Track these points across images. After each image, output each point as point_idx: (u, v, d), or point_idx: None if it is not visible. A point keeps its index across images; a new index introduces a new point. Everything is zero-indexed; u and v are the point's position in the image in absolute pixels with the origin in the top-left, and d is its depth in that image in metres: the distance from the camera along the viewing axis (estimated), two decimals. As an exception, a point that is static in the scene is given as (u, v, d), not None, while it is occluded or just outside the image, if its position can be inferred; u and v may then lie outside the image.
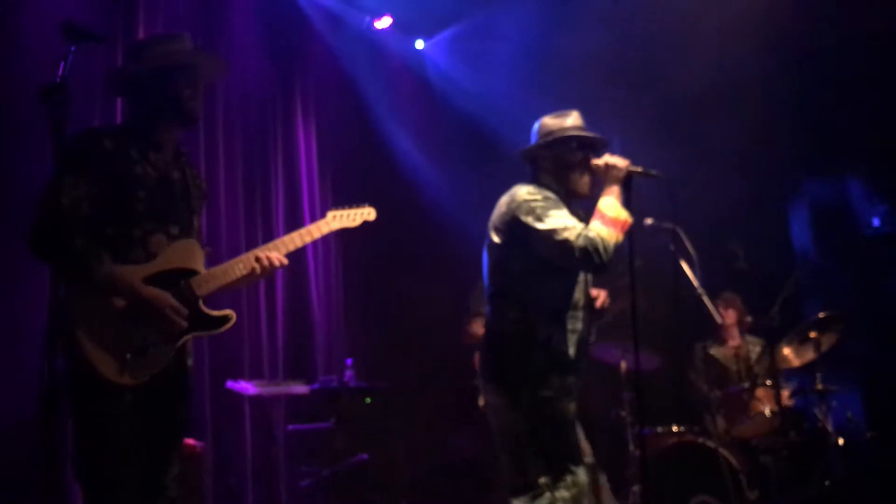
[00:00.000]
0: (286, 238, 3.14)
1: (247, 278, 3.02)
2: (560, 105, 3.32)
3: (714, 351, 5.39)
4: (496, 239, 3.19)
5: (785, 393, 4.89)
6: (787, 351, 4.90)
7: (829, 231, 6.15)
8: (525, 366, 3.08)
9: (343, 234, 6.52)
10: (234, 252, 5.60)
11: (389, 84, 6.94)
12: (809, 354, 4.89)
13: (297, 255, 6.15)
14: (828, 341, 4.86)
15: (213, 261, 5.39)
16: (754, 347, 5.35)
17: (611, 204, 3.12)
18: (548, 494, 3.02)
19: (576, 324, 3.15)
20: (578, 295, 3.19)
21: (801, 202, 6.31)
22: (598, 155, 3.22)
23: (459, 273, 5.71)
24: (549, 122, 3.28)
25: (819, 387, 4.80)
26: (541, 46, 6.27)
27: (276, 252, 3.01)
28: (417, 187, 6.89)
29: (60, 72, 2.24)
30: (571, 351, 3.13)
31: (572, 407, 3.15)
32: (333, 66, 6.63)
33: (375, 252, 6.67)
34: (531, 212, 3.08)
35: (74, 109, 2.50)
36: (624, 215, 3.12)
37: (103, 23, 5.09)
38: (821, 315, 4.81)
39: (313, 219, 6.31)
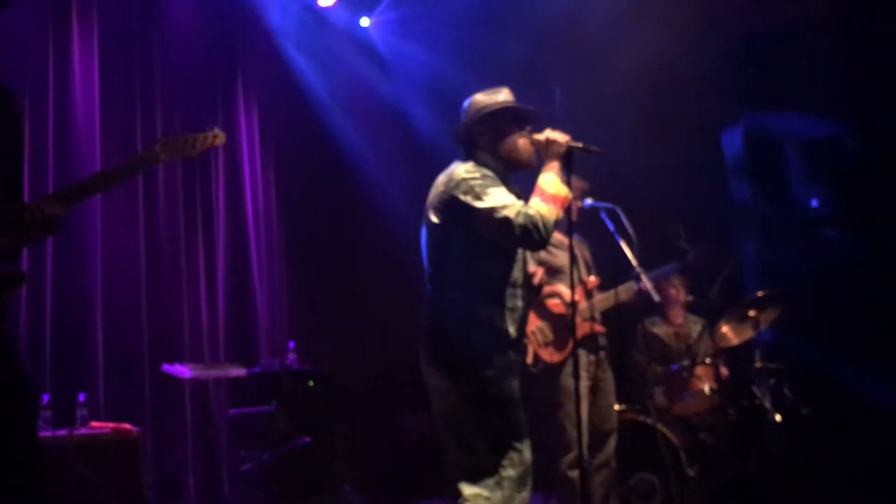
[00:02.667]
0: (90, 178, 2.73)
1: (19, 233, 2.49)
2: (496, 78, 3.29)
3: (656, 329, 5.44)
4: (434, 219, 3.14)
5: (725, 371, 4.96)
6: (725, 329, 4.95)
7: (769, 210, 6.23)
8: (466, 346, 3.05)
9: (286, 213, 6.54)
10: (174, 241, 5.59)
11: (335, 64, 6.85)
12: (748, 333, 4.95)
13: (238, 237, 6.11)
14: (766, 319, 4.92)
15: (152, 247, 5.35)
16: (695, 326, 5.41)
17: (551, 180, 3.10)
18: (495, 474, 3.00)
19: (515, 302, 3.14)
20: (517, 273, 3.17)
21: (742, 179, 6.37)
22: (533, 126, 3.19)
23: (403, 254, 5.68)
24: (481, 98, 3.25)
25: (757, 364, 4.87)
26: (477, 20, 6.25)
27: (53, 204, 2.50)
28: (363, 169, 6.82)
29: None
30: (512, 329, 3.11)
31: (515, 385, 3.14)
32: (276, 46, 6.52)
33: (319, 233, 6.61)
34: (470, 190, 3.04)
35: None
36: (564, 192, 3.10)
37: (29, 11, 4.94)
38: (759, 294, 4.87)
39: (255, 203, 6.26)
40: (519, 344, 3.19)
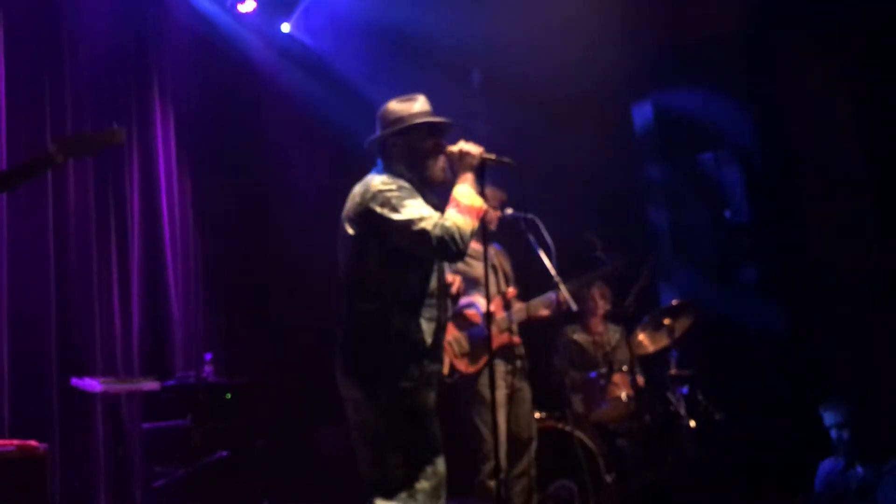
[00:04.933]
0: None
1: None
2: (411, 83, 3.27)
3: (577, 336, 5.51)
4: (350, 231, 3.11)
5: (640, 378, 5.05)
6: (642, 337, 5.05)
7: (684, 219, 6.37)
8: (382, 358, 3.03)
9: (203, 223, 6.40)
10: (86, 248, 5.41)
11: (255, 69, 6.77)
12: (664, 340, 5.06)
13: (153, 245, 5.95)
14: (681, 327, 5.03)
15: (62, 255, 5.17)
16: (614, 335, 5.50)
17: (465, 192, 3.09)
18: (407, 487, 2.98)
19: (432, 312, 3.13)
20: (434, 283, 3.16)
21: (657, 184, 6.51)
22: (448, 138, 3.19)
23: (322, 265, 5.62)
24: (396, 107, 3.21)
25: (672, 371, 4.98)
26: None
27: None
28: (282, 179, 6.74)
29: None
30: (429, 340, 3.10)
31: (432, 397, 3.13)
32: (194, 48, 6.41)
33: (236, 243, 6.50)
34: (386, 202, 3.02)
35: None
36: (479, 202, 3.11)
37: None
38: (674, 302, 4.98)
39: (171, 212, 6.11)
40: (437, 354, 3.18)
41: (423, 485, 3.00)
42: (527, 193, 3.38)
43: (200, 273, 6.31)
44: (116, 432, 5.29)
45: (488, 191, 3.27)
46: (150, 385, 4.91)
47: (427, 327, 3.10)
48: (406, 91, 3.27)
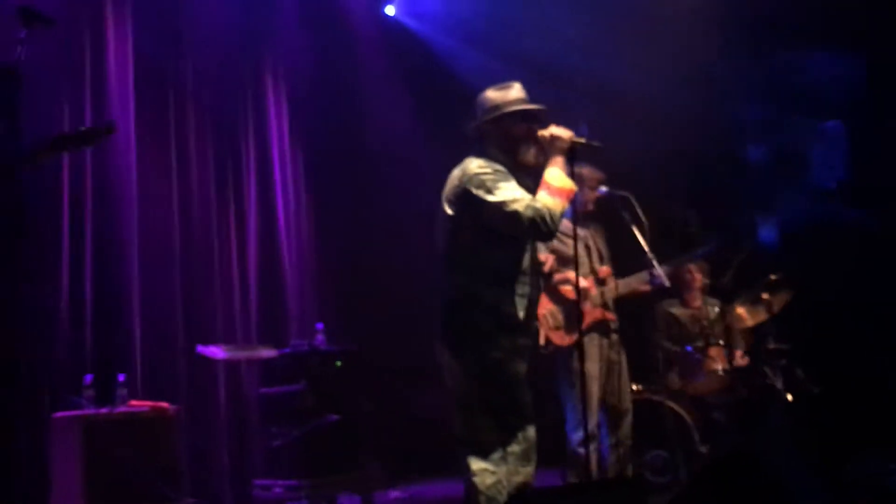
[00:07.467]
0: None
1: None
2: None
3: (675, 310, 5.56)
4: (448, 210, 3.31)
5: (738, 352, 5.08)
6: (740, 311, 5.07)
7: (787, 189, 6.28)
8: (472, 329, 3.23)
9: (315, 198, 6.69)
10: (207, 228, 5.79)
11: (363, 53, 7.00)
12: (762, 315, 5.06)
13: (268, 220, 6.31)
14: (779, 302, 5.02)
15: (186, 234, 5.57)
16: (712, 309, 5.52)
17: (556, 175, 3.25)
18: (500, 449, 3.20)
19: (524, 288, 3.30)
20: (527, 261, 3.33)
21: (761, 155, 6.41)
22: (542, 125, 3.33)
23: (429, 238, 5.82)
24: (493, 95, 3.37)
25: (770, 346, 4.98)
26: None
27: None
28: (391, 153, 6.96)
29: (14, 56, 2.30)
30: (521, 314, 3.28)
31: (522, 367, 3.31)
32: (305, 36, 6.68)
33: (347, 218, 6.78)
34: (482, 185, 3.20)
35: (36, 95, 2.52)
36: (569, 185, 3.26)
37: (65, 8, 5.09)
38: (772, 277, 4.97)
39: (284, 187, 6.46)
40: (529, 328, 3.36)
41: (513, 448, 3.22)
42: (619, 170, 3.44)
43: (313, 246, 6.65)
44: (236, 396, 5.69)
45: (586, 171, 3.39)
46: (268, 353, 5.25)
47: (519, 302, 3.27)
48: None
